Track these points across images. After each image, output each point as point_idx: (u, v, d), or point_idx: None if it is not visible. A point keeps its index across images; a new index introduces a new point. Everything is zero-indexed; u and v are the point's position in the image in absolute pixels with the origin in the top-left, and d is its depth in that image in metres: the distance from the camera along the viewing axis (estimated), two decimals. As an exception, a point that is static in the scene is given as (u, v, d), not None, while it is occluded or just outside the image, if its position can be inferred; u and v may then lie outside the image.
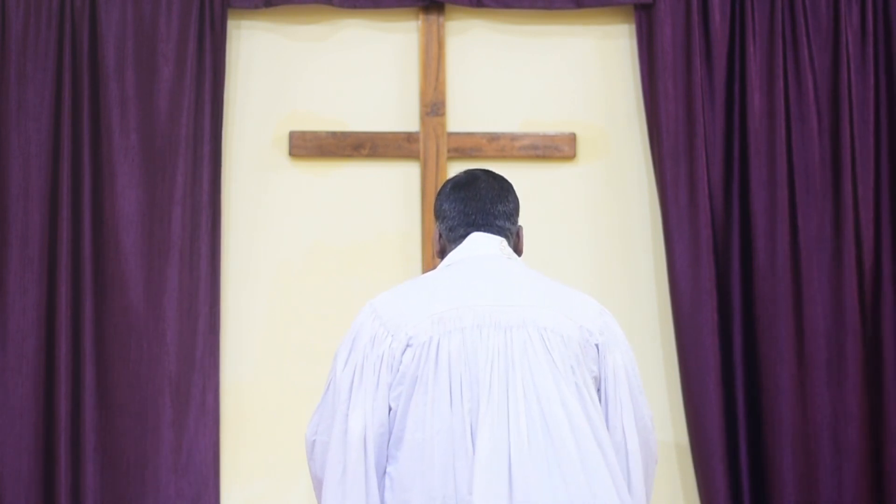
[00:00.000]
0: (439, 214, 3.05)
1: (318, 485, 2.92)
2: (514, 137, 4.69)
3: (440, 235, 3.05)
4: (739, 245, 4.59)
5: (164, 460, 4.45)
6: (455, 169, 4.61)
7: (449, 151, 4.67)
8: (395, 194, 4.68)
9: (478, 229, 3.00)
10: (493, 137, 4.69)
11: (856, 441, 4.51)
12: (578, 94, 4.74)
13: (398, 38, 4.73)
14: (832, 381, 4.53)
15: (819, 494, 4.51)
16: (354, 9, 4.66)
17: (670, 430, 4.65)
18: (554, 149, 4.70)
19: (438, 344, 2.81)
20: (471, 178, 3.05)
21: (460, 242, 3.00)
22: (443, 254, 3.05)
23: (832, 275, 4.55)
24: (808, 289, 4.54)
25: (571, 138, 4.71)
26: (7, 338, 4.43)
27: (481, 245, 2.98)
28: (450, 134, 4.68)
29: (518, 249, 3.06)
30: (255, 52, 4.69)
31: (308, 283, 4.64)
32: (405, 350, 2.82)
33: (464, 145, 4.68)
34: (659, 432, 4.57)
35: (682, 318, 4.54)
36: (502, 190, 3.04)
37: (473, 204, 3.00)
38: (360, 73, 4.71)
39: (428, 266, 4.54)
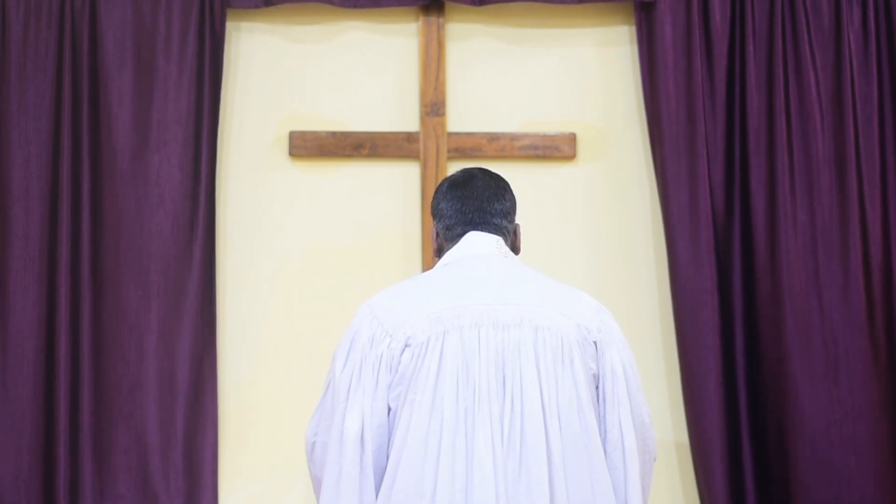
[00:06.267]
0: (436, 213, 3.04)
1: (317, 485, 2.91)
2: (514, 137, 4.69)
3: (437, 234, 3.04)
4: (741, 244, 4.58)
5: (163, 460, 4.45)
6: (455, 169, 4.59)
7: (449, 151, 4.67)
8: (395, 194, 4.68)
9: (475, 228, 2.99)
10: (493, 137, 4.69)
11: (864, 438, 4.48)
12: (578, 94, 4.74)
13: (398, 38, 4.72)
14: (836, 379, 4.51)
15: (822, 494, 4.49)
16: (354, 9, 4.66)
17: (670, 429, 4.64)
18: (554, 149, 4.70)
19: (436, 343, 2.80)
20: (468, 176, 3.05)
21: (457, 241, 2.99)
22: (440, 252, 3.05)
23: (835, 272, 4.54)
24: (809, 287, 4.53)
25: (571, 138, 4.70)
26: (7, 338, 4.43)
27: (478, 244, 2.97)
28: (450, 134, 4.68)
29: (516, 247, 3.06)
30: (255, 53, 4.69)
31: (308, 283, 4.64)
32: (404, 350, 2.81)
33: (464, 145, 4.68)
34: (659, 431, 4.57)
35: (683, 318, 4.54)
36: (499, 188, 3.03)
37: (470, 203, 3.00)
38: (361, 73, 4.71)
39: (428, 266, 4.54)
